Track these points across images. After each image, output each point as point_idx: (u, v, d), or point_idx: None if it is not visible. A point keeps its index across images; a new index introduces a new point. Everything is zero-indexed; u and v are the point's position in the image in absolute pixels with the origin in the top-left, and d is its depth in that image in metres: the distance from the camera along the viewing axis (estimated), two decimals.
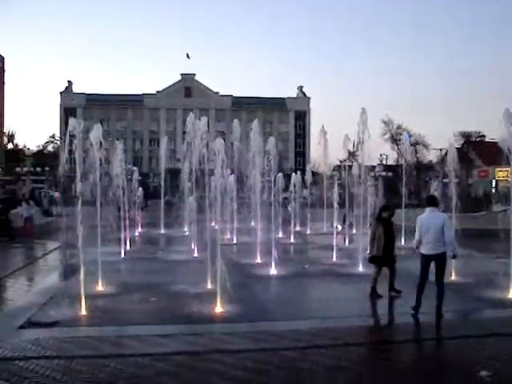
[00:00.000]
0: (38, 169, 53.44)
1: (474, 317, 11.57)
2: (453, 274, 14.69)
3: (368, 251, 13.50)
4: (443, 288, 10.89)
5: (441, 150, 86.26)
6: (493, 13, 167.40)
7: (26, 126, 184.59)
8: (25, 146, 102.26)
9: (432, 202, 11.34)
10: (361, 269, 16.52)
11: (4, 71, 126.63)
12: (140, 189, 31.55)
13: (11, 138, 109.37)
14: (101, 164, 13.78)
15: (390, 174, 55.92)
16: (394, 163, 76.96)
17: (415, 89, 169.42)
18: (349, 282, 15.26)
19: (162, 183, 34.00)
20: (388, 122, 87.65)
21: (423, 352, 9.48)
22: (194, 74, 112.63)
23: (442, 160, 79.84)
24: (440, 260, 10.91)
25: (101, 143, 13.53)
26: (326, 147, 30.41)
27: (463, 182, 53.96)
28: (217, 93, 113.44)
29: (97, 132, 13.17)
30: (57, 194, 70.16)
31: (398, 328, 11.09)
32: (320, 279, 16.06)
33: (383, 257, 12.74)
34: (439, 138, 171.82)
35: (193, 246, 20.66)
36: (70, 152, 12.03)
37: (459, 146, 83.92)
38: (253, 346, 9.02)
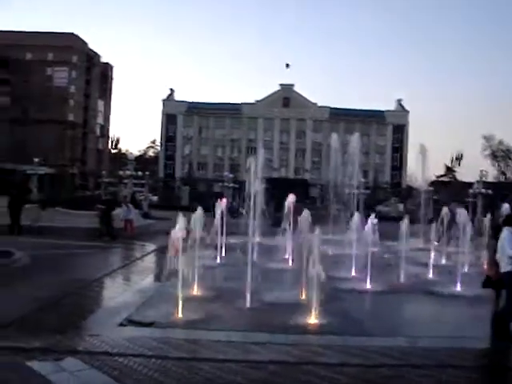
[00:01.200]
0: (140, 173, 55.24)
1: None
2: None
3: (487, 273, 11.96)
4: (504, 311, 10.64)
5: None
6: None
7: (130, 132, 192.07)
8: (127, 151, 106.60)
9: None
10: (458, 288, 15.97)
11: (112, 79, 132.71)
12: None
13: (116, 142, 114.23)
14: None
15: (489, 191, 53.60)
16: (495, 180, 74.12)
17: None
18: (445, 301, 14.74)
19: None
20: (489, 137, 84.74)
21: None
22: (293, 85, 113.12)
23: None
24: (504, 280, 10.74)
25: None
26: (425, 165, 29.54)
27: None
28: (315, 104, 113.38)
29: None
30: (155, 198, 72.53)
31: (502, 353, 10.62)
32: (414, 296, 15.65)
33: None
34: None
35: (287, 256, 20.73)
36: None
37: None
38: (347, 361, 8.89)
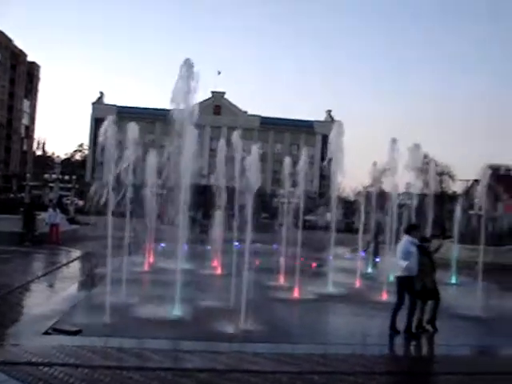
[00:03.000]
0: (66, 177, 53.96)
1: (490, 352, 11.52)
2: (475, 308, 14.60)
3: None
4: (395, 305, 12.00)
5: (467, 181, 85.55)
6: None
7: (56, 134, 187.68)
8: (54, 154, 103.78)
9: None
10: (384, 297, 16.32)
11: (39, 79, 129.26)
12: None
13: (42, 145, 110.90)
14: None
15: (414, 202, 55.28)
16: (419, 192, 76.34)
17: (445, 118, 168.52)
18: (372, 309, 15.02)
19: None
20: (414, 150, 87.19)
21: None
22: (224, 93, 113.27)
23: (468, 191, 79.38)
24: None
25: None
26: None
27: (489, 215, 53.31)
28: (245, 112, 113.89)
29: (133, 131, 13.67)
30: (81, 203, 70.95)
31: (427, 359, 10.98)
32: (344, 304, 15.88)
33: (433, 290, 12.33)
34: (465, 170, 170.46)
35: (215, 263, 20.72)
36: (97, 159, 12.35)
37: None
38: (277, 368, 8.90)
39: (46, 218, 28.67)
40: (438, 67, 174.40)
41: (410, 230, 12.44)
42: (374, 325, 13.32)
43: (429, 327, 12.34)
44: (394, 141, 20.78)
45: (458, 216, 23.44)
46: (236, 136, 20.29)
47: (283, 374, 8.60)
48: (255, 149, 14.31)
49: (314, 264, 24.82)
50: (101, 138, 12.57)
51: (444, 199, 75.18)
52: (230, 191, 20.80)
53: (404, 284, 11.84)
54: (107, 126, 12.81)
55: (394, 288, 12.40)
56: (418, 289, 12.20)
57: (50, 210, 29.36)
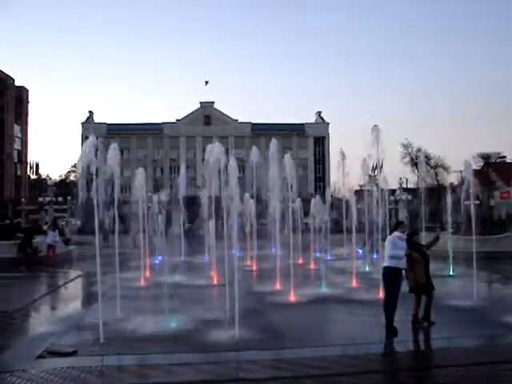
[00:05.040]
0: (60, 198, 53.93)
1: (491, 343, 11.40)
2: (474, 297, 14.61)
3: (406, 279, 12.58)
4: (384, 301, 12.18)
5: (461, 172, 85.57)
6: None
7: (49, 156, 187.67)
8: (47, 176, 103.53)
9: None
10: (381, 294, 16.28)
11: (28, 103, 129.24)
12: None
13: (36, 168, 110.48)
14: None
15: (410, 197, 55.36)
16: (415, 186, 76.51)
17: (435, 111, 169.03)
18: (369, 308, 14.97)
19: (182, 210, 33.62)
20: (407, 145, 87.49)
21: (443, 379, 9.22)
22: (213, 102, 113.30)
23: (462, 182, 79.36)
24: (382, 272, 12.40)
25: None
26: (346, 172, 30.09)
27: (485, 204, 53.40)
28: (236, 120, 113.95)
29: (114, 152, 13.55)
30: (79, 223, 70.83)
31: (421, 355, 10.92)
32: (340, 305, 15.85)
33: (426, 284, 12.36)
34: (460, 161, 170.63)
35: (212, 273, 20.68)
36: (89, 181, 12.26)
37: (479, 168, 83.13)
38: (272, 375, 8.89)
39: (47, 238, 28.90)
40: (426, 58, 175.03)
41: (397, 226, 12.76)
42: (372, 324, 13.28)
43: (424, 324, 12.35)
44: (375, 128, 20.22)
45: (450, 207, 23.47)
46: (219, 146, 20.15)
47: (277, 379, 8.60)
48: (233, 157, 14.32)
49: (313, 266, 24.90)
50: (84, 159, 12.39)
51: (440, 191, 75.37)
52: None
53: (390, 276, 11.97)
54: (90, 146, 12.64)
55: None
56: (411, 285, 12.31)
57: (50, 230, 29.79)
